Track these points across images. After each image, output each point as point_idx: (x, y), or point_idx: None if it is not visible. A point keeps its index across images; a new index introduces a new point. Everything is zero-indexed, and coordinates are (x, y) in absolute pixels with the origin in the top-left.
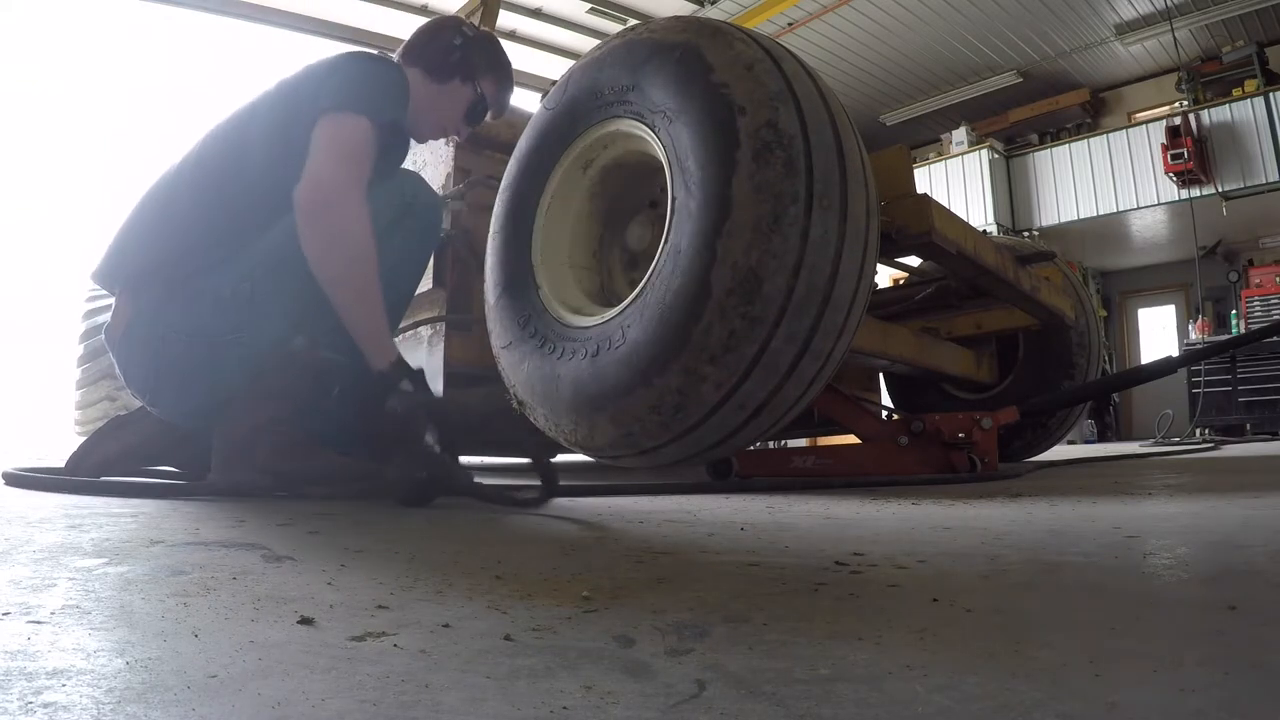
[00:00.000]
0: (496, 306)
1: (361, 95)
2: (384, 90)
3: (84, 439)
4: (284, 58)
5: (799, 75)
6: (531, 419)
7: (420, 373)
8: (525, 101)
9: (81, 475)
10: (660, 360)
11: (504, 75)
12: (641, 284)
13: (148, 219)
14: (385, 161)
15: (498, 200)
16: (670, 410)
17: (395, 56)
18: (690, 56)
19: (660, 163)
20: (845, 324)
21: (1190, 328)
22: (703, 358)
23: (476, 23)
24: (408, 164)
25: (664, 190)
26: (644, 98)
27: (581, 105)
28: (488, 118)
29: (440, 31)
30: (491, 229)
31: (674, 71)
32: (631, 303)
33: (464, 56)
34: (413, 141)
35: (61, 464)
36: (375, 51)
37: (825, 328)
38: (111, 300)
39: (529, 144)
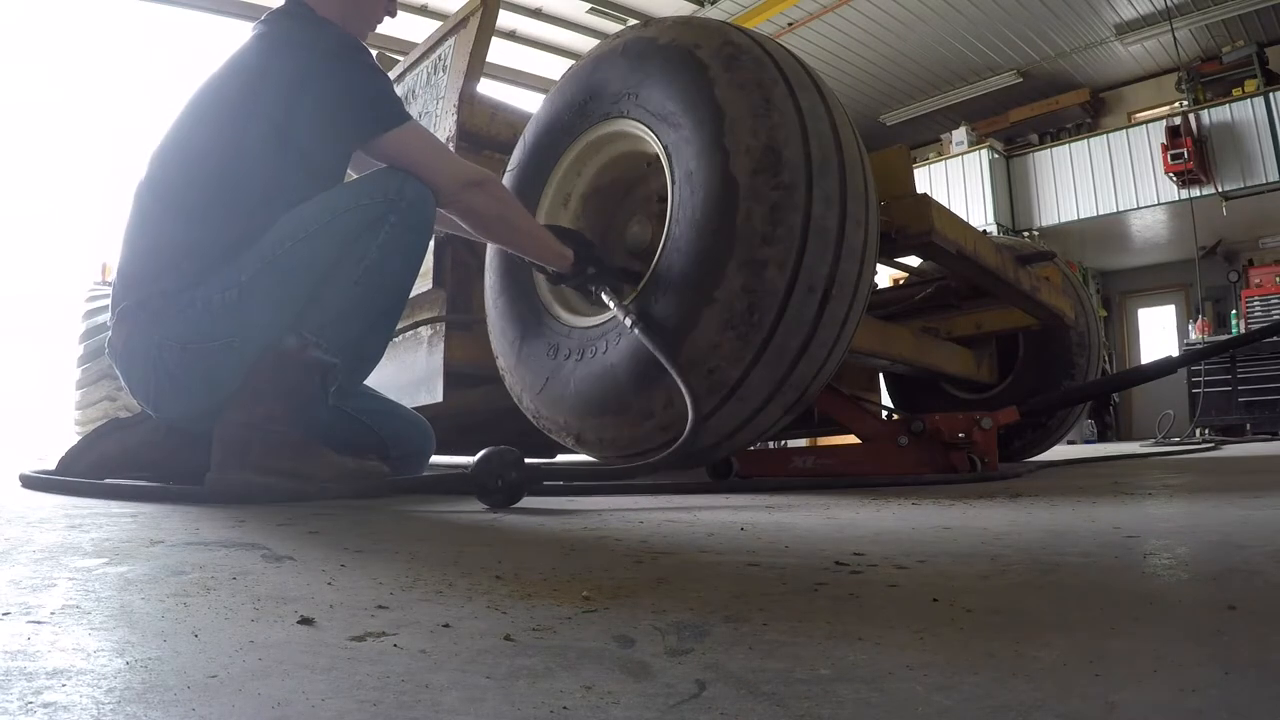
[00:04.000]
0: (499, 321)
1: (398, 101)
2: (388, 80)
3: (80, 438)
4: None
5: (777, 50)
6: (551, 433)
7: (582, 237)
8: (525, 101)
9: (74, 475)
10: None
11: None
12: (643, 281)
13: (138, 233)
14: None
15: None
16: (744, 321)
17: None
18: (687, 62)
19: (650, 156)
20: (864, 257)
21: (1190, 328)
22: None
23: (477, 23)
24: None
25: (659, 199)
26: (642, 107)
27: (580, 108)
28: None
29: None
30: (489, 247)
31: (679, 76)
32: (649, 280)
33: None
34: None
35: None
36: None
37: (846, 255)
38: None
39: (523, 156)
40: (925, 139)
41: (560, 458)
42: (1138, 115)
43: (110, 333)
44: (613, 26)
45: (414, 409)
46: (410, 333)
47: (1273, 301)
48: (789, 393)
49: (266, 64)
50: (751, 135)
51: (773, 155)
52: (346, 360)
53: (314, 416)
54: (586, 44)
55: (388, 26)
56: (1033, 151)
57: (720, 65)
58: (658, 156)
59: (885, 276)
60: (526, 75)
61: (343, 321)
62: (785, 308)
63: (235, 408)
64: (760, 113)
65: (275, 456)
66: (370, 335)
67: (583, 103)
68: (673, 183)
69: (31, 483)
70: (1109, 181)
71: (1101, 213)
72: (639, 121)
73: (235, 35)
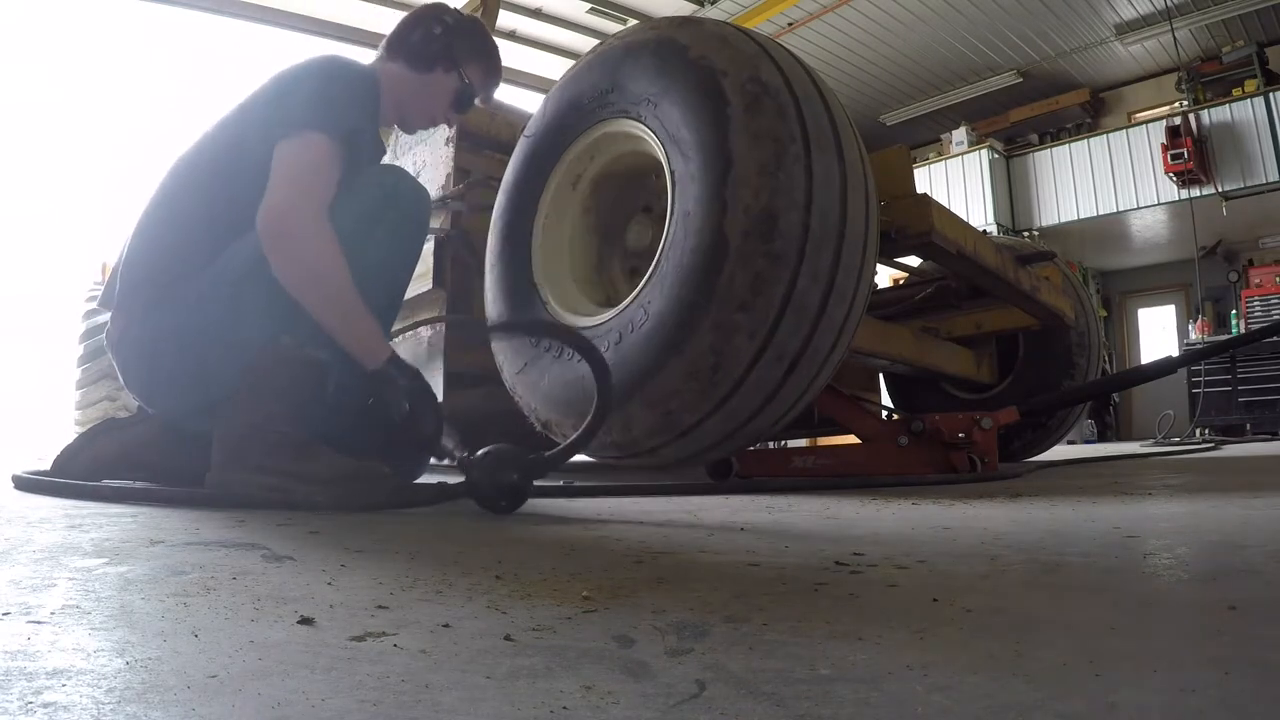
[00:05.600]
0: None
1: (317, 111)
2: (343, 99)
3: (75, 437)
4: (285, 58)
5: (772, 44)
6: (561, 437)
7: (415, 369)
8: (525, 101)
9: (70, 474)
10: (688, 322)
11: (489, 59)
12: (656, 257)
13: (140, 229)
14: (354, 167)
15: (490, 232)
16: (708, 373)
17: (379, 50)
18: (665, 44)
19: (651, 160)
20: (863, 262)
21: (1190, 328)
22: (732, 307)
23: None
24: (407, 165)
25: (658, 191)
26: (625, 94)
27: (566, 118)
28: (476, 103)
29: (421, 21)
30: (488, 262)
31: (652, 60)
32: (649, 279)
33: (446, 44)
34: (412, 141)
35: None
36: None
37: (845, 265)
38: None
39: (515, 174)
40: (925, 139)
41: None
42: (1138, 115)
43: (109, 325)
44: (613, 26)
45: None
46: (410, 333)
47: (1273, 301)
48: (739, 440)
49: (284, 72)
50: (753, 195)
51: (768, 221)
52: (343, 358)
53: (314, 416)
54: (586, 44)
55: (389, 26)
56: (1033, 151)
57: (741, 105)
58: (662, 165)
59: (885, 276)
60: (526, 75)
61: None
62: (748, 374)
63: (236, 407)
64: (769, 170)
65: (276, 457)
66: None
67: (604, 91)
68: (671, 214)
69: (24, 484)
70: (1109, 181)
71: (1101, 213)
72: (654, 135)
73: (234, 35)
